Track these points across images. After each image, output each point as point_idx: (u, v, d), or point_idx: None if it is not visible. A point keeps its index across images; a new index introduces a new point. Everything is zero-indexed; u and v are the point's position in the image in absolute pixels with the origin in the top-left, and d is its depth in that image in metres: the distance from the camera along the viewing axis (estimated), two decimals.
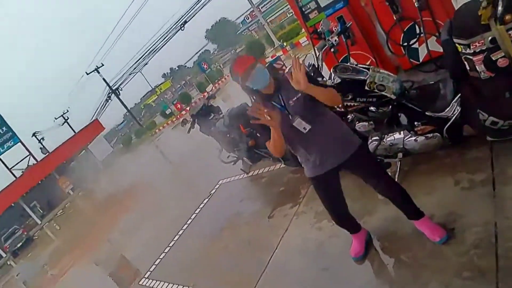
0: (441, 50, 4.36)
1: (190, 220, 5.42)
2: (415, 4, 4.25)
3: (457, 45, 2.36)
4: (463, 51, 2.34)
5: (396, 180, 3.01)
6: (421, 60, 4.70)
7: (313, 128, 2.21)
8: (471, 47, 2.28)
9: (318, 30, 3.83)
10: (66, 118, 36.34)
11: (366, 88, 2.95)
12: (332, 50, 4.50)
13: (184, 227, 5.33)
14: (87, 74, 33.25)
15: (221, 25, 67.81)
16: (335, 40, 3.46)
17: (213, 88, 21.19)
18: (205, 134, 5.51)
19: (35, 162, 24.21)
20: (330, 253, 2.96)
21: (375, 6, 4.53)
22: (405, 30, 4.51)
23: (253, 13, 38.17)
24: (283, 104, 2.24)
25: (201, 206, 5.62)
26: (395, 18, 4.45)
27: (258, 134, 3.38)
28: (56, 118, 36.31)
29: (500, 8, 2.12)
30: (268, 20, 19.41)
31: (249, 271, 3.36)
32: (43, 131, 31.98)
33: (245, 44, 21.86)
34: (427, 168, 3.10)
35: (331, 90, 2.25)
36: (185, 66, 73.98)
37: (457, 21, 2.43)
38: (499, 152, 2.72)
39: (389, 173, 2.82)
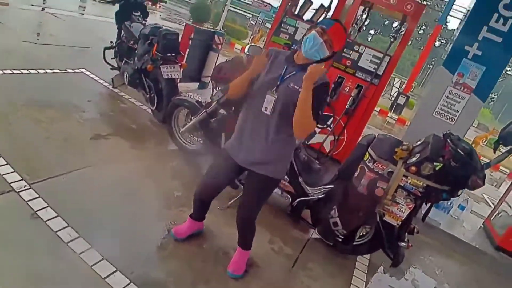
0: (327, 150, 5.03)
1: (25, 71, 4.32)
2: (346, 105, 4.77)
3: (367, 153, 2.67)
4: (367, 161, 2.65)
5: (229, 203, 3.11)
6: (309, 143, 5.18)
7: (267, 120, 2.03)
8: (374, 164, 2.60)
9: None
10: None
11: None
12: None
13: (14, 72, 4.20)
14: None
15: None
16: None
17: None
18: (115, 21, 4.70)
19: None
20: (133, 211, 2.70)
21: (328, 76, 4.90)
22: (323, 113, 4.97)
23: None
24: (285, 76, 2.02)
25: (47, 70, 4.58)
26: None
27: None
28: None
29: (413, 159, 2.51)
30: (229, 7, 18.96)
31: (46, 165, 2.79)
32: None
33: (198, 2, 20.64)
34: (261, 215, 3.24)
35: (311, 119, 1.89)
36: None
37: (380, 140, 2.76)
38: (312, 246, 3.10)
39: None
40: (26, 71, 4.35)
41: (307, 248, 3.06)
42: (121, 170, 3.15)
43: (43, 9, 8.10)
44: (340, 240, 3.01)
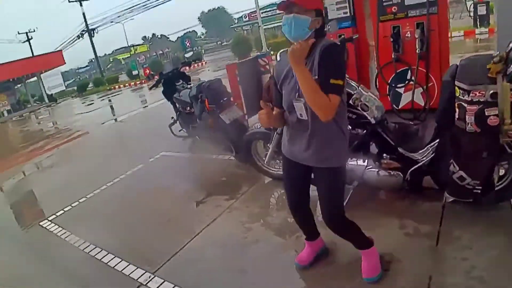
0: (422, 104, 4.48)
1: (117, 179, 4.93)
2: (417, 50, 4.24)
3: (456, 88, 2.25)
4: (460, 96, 2.23)
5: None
6: (400, 106, 4.69)
7: (308, 124, 1.89)
8: (471, 94, 2.17)
9: (325, 29, 3.65)
10: (30, 37, 33.83)
11: (350, 102, 2.78)
12: None
13: (108, 184, 4.83)
14: (69, 1, 31.11)
15: (217, 13, 67.32)
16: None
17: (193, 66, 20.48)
18: (166, 99, 5.09)
19: None
20: (253, 257, 2.70)
21: (379, 39, 4.48)
22: (397, 71, 4.49)
23: (252, 15, 38.15)
24: (294, 75, 1.85)
25: (133, 170, 5.15)
26: (393, 57, 4.42)
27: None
28: (19, 33, 33.89)
29: None
30: (264, 27, 19.27)
31: (161, 249, 3.01)
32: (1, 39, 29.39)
33: (234, 38, 21.49)
34: (377, 204, 2.98)
35: (323, 96, 1.69)
36: (168, 38, 71.87)
37: (464, 66, 2.32)
38: (450, 212, 2.66)
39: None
40: (117, 179, 4.93)
41: (446, 217, 2.64)
42: (228, 225, 3.21)
43: (115, 119, 9.51)
44: (478, 192, 2.53)
